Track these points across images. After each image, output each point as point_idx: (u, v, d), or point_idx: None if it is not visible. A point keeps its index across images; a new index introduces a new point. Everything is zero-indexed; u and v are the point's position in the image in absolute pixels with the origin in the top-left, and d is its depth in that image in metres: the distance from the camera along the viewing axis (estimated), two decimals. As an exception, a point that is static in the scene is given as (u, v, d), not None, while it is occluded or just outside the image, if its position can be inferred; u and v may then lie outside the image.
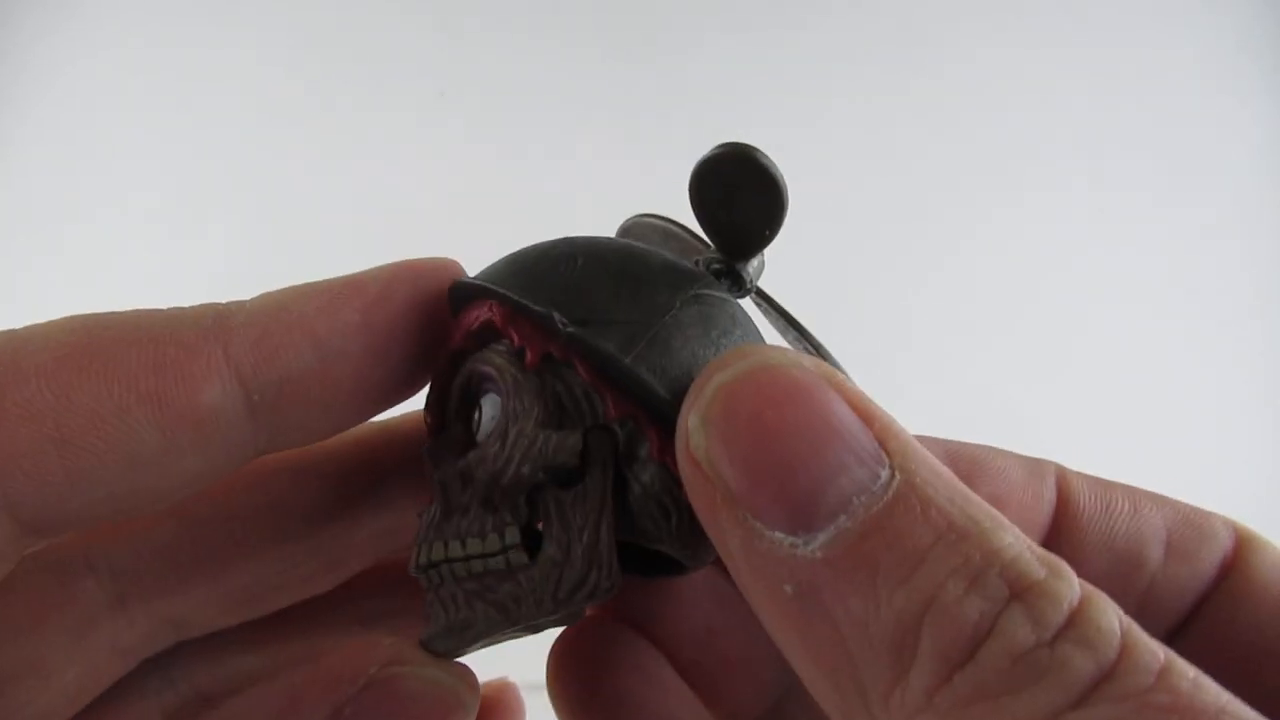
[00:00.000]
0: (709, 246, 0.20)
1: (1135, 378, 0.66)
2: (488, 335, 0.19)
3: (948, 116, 0.67)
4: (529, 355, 0.18)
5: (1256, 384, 0.67)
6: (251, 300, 0.19)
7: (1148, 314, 0.67)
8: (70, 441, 0.17)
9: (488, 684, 0.27)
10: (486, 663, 0.20)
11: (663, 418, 0.17)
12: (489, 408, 0.19)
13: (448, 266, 0.21)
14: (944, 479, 0.14)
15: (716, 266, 0.20)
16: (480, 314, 0.19)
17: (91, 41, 0.64)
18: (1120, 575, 0.19)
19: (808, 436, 0.14)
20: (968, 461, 0.20)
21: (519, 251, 0.20)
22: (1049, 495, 0.20)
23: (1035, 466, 0.21)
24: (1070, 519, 0.20)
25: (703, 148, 0.19)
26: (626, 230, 0.23)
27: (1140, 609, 0.19)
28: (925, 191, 0.67)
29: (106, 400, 0.17)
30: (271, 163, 0.64)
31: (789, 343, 0.21)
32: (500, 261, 0.20)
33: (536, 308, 0.18)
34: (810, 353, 0.22)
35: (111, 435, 0.17)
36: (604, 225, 0.23)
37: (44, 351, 0.17)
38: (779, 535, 0.14)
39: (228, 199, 0.64)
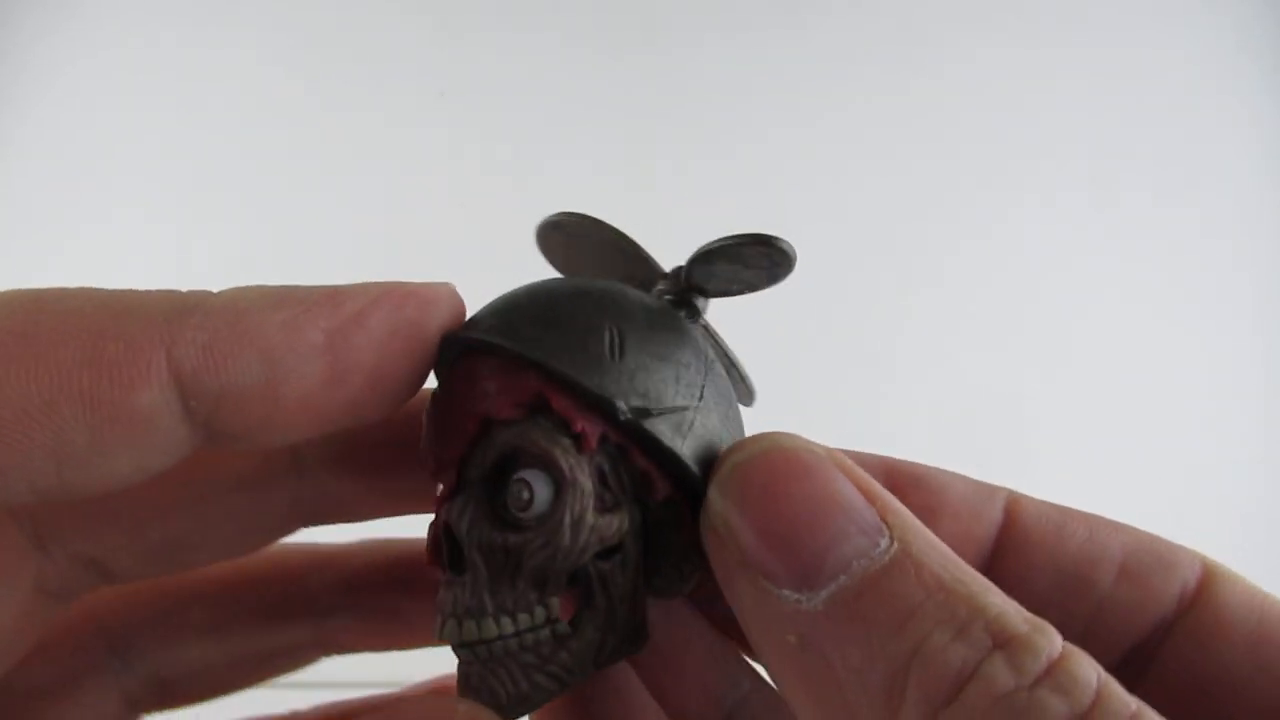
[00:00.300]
0: (646, 256, 0.22)
1: (1134, 378, 0.66)
2: (535, 408, 0.19)
3: (946, 117, 0.67)
4: (588, 441, 0.19)
5: (1257, 383, 0.66)
6: (216, 296, 0.18)
7: (1146, 314, 0.66)
8: None
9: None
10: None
11: (696, 496, 0.19)
12: (541, 488, 0.19)
13: (440, 295, 0.19)
14: (939, 549, 0.16)
15: (670, 298, 0.22)
16: (529, 386, 0.19)
17: (91, 42, 0.64)
18: (1066, 594, 0.20)
19: (814, 507, 0.16)
20: (906, 477, 0.21)
21: (529, 302, 0.20)
22: (994, 515, 0.21)
23: (983, 489, 0.21)
24: (1017, 539, 0.21)
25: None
26: (561, 227, 0.22)
27: (1087, 629, 0.20)
28: (924, 192, 0.67)
29: (34, 394, 0.16)
30: (271, 162, 0.64)
31: (723, 369, 0.22)
32: (511, 311, 0.20)
33: (598, 392, 0.19)
34: (737, 381, 0.23)
35: (36, 430, 0.16)
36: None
37: None
38: (786, 593, 0.16)
39: (227, 199, 0.64)
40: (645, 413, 0.19)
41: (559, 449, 0.19)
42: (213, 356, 0.17)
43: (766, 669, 0.17)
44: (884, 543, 0.16)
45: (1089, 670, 0.14)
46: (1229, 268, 0.67)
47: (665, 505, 0.19)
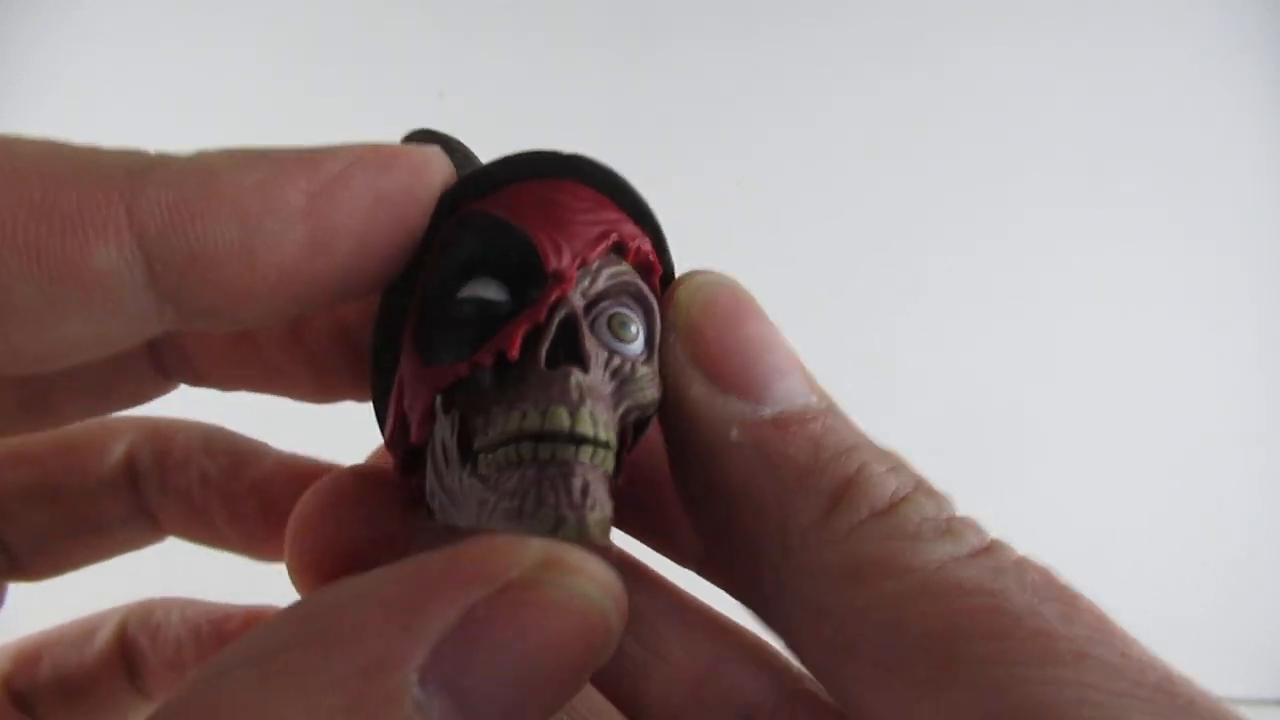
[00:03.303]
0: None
1: (1135, 377, 0.65)
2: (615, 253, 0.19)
3: (943, 116, 0.67)
4: (658, 300, 0.19)
5: (1257, 382, 0.65)
6: (182, 155, 0.16)
7: (1147, 314, 0.66)
8: None
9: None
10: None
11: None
12: (641, 330, 0.19)
13: (430, 160, 0.18)
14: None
15: None
16: (645, 247, 0.19)
17: (88, 42, 0.64)
18: None
19: (765, 334, 0.18)
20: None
21: (579, 158, 0.19)
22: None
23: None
24: None
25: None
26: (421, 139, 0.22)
27: None
28: (923, 191, 0.66)
29: None
30: None
31: None
32: (568, 157, 0.19)
33: (672, 264, 0.20)
34: None
35: None
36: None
37: None
38: (732, 398, 0.18)
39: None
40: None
41: (655, 303, 0.19)
42: (180, 215, 0.16)
43: (690, 464, 0.18)
44: (814, 398, 0.18)
45: (981, 528, 0.17)
46: (1231, 267, 0.66)
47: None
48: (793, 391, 0.18)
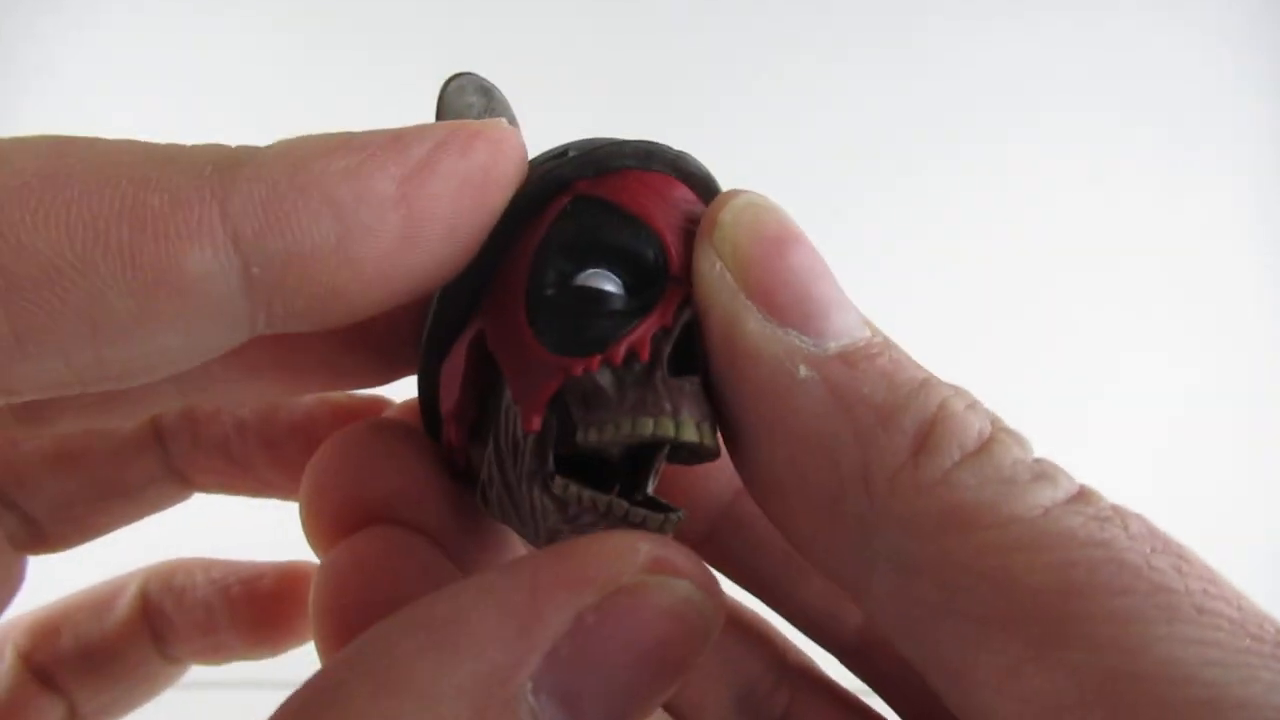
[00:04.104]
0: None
1: (1131, 373, 0.65)
2: None
3: (941, 106, 0.66)
4: None
5: (1258, 383, 0.66)
6: (265, 149, 0.15)
7: (1145, 308, 0.66)
8: (19, 293, 0.14)
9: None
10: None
11: None
12: None
13: (508, 138, 0.17)
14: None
15: None
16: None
17: (86, 40, 0.61)
18: None
19: (817, 266, 0.17)
20: None
21: (647, 144, 0.18)
22: None
23: None
24: None
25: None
26: (452, 89, 0.21)
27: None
28: (919, 183, 0.66)
29: (66, 248, 0.14)
30: None
31: None
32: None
33: None
34: None
35: (70, 292, 0.14)
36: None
37: None
38: (792, 332, 0.16)
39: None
40: None
41: None
42: (274, 212, 0.15)
43: (749, 407, 0.17)
44: (870, 332, 0.17)
45: (1066, 470, 0.16)
46: (1230, 264, 0.67)
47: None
48: (851, 324, 0.16)
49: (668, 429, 0.16)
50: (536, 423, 0.17)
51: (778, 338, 0.16)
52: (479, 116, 0.20)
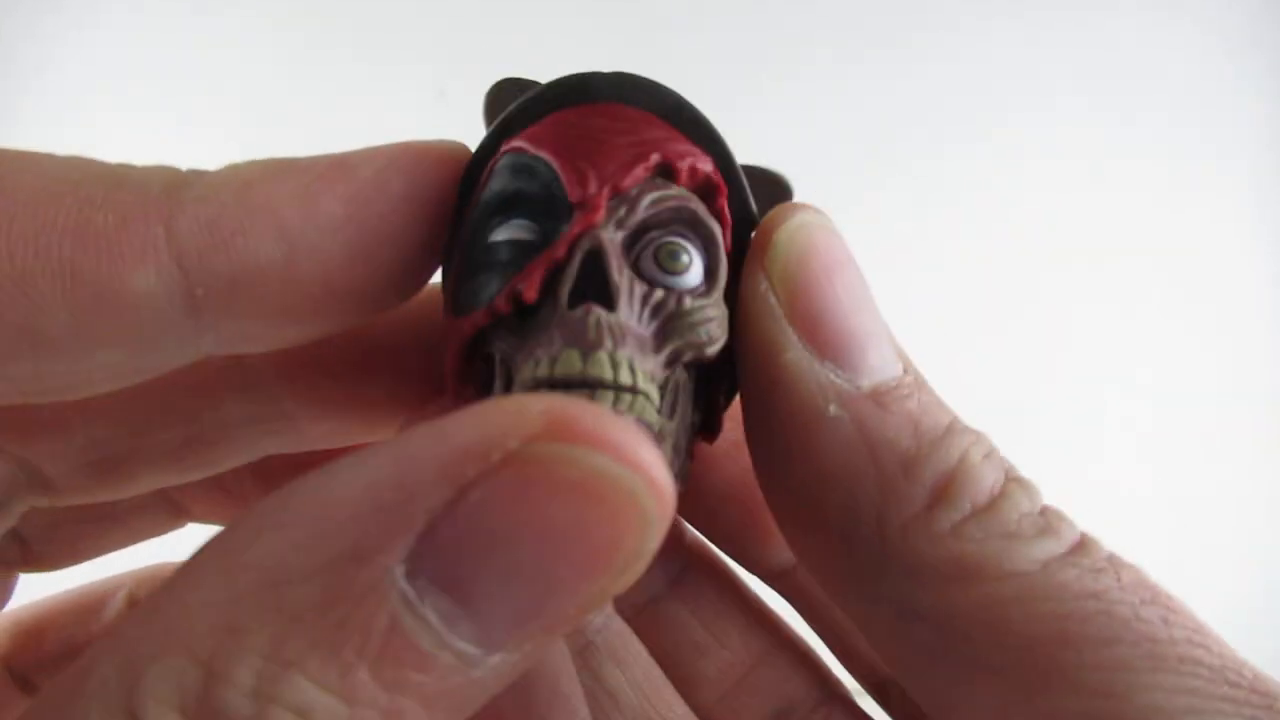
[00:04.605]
0: None
1: (1132, 378, 0.65)
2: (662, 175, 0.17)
3: (940, 110, 0.66)
4: (726, 230, 0.18)
5: (1259, 384, 0.65)
6: (213, 172, 0.16)
7: (1146, 312, 0.65)
8: None
9: None
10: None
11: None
12: (696, 258, 0.17)
13: (454, 152, 0.17)
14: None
15: None
16: (702, 166, 0.17)
17: (86, 40, 0.61)
18: None
19: (856, 296, 0.17)
20: None
21: (628, 76, 0.18)
22: None
23: None
24: None
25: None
26: (499, 94, 0.21)
27: None
28: (921, 186, 0.65)
29: (5, 262, 0.14)
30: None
31: None
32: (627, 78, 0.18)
33: (747, 187, 0.18)
34: None
35: (8, 306, 0.14)
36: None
37: None
38: (828, 366, 0.16)
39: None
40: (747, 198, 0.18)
41: (718, 229, 0.17)
42: (221, 232, 0.15)
43: (779, 439, 0.17)
44: (902, 368, 0.17)
45: (1069, 519, 0.16)
46: (1231, 266, 0.66)
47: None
48: (886, 360, 0.17)
49: (545, 369, 0.15)
50: (456, 389, 0.17)
51: (814, 371, 0.16)
52: None
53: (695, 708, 0.22)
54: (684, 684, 0.22)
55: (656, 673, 0.22)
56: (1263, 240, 0.67)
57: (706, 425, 0.19)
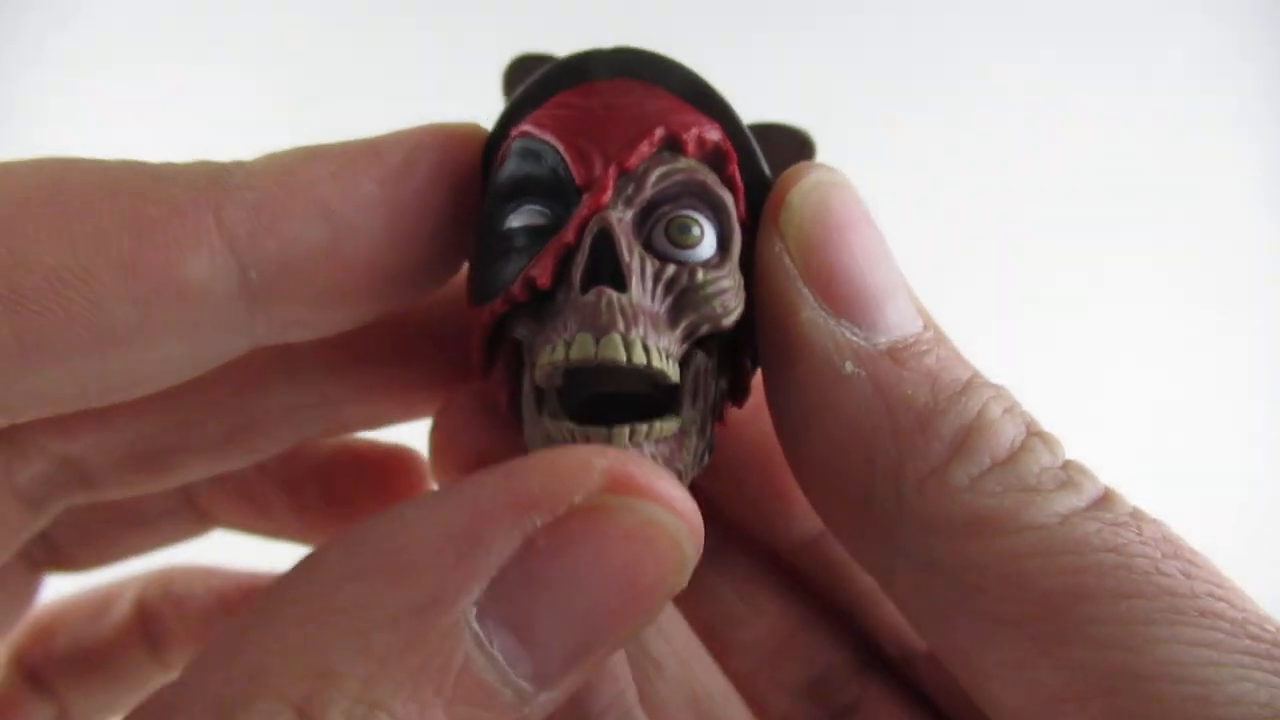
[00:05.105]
0: None
1: (1135, 388, 0.65)
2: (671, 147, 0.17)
3: (944, 121, 0.66)
4: (739, 199, 0.17)
5: (1260, 385, 0.66)
6: (252, 161, 0.16)
7: (1149, 319, 0.65)
8: (23, 302, 0.14)
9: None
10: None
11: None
12: (708, 231, 0.17)
13: (477, 133, 0.18)
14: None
15: None
16: (709, 135, 0.17)
17: (84, 40, 0.61)
18: None
19: (873, 252, 0.17)
20: None
21: (634, 51, 0.18)
22: None
23: None
24: None
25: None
26: (516, 72, 0.21)
27: None
28: (922, 194, 0.65)
29: (70, 259, 0.14)
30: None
31: None
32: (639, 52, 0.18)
33: (759, 157, 0.18)
34: None
35: (74, 302, 0.14)
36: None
37: None
38: (844, 324, 0.16)
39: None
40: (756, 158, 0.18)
41: (729, 197, 0.17)
42: (267, 215, 0.15)
43: (795, 399, 0.17)
44: (922, 324, 0.17)
45: (1094, 474, 0.16)
46: (1232, 271, 0.65)
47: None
48: (904, 316, 0.16)
49: (560, 354, 0.15)
50: (485, 376, 0.17)
51: (829, 329, 0.16)
52: None
53: (731, 677, 0.22)
54: (720, 654, 0.22)
55: (696, 643, 0.22)
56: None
57: (734, 391, 0.19)
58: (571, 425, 0.16)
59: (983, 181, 0.65)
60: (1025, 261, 0.65)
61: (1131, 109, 0.66)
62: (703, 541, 0.14)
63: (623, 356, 0.15)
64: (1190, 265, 0.66)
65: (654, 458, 0.16)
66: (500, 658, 0.13)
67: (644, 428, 0.16)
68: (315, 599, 0.13)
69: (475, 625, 0.13)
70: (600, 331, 0.15)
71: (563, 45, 0.19)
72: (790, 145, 0.20)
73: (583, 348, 0.15)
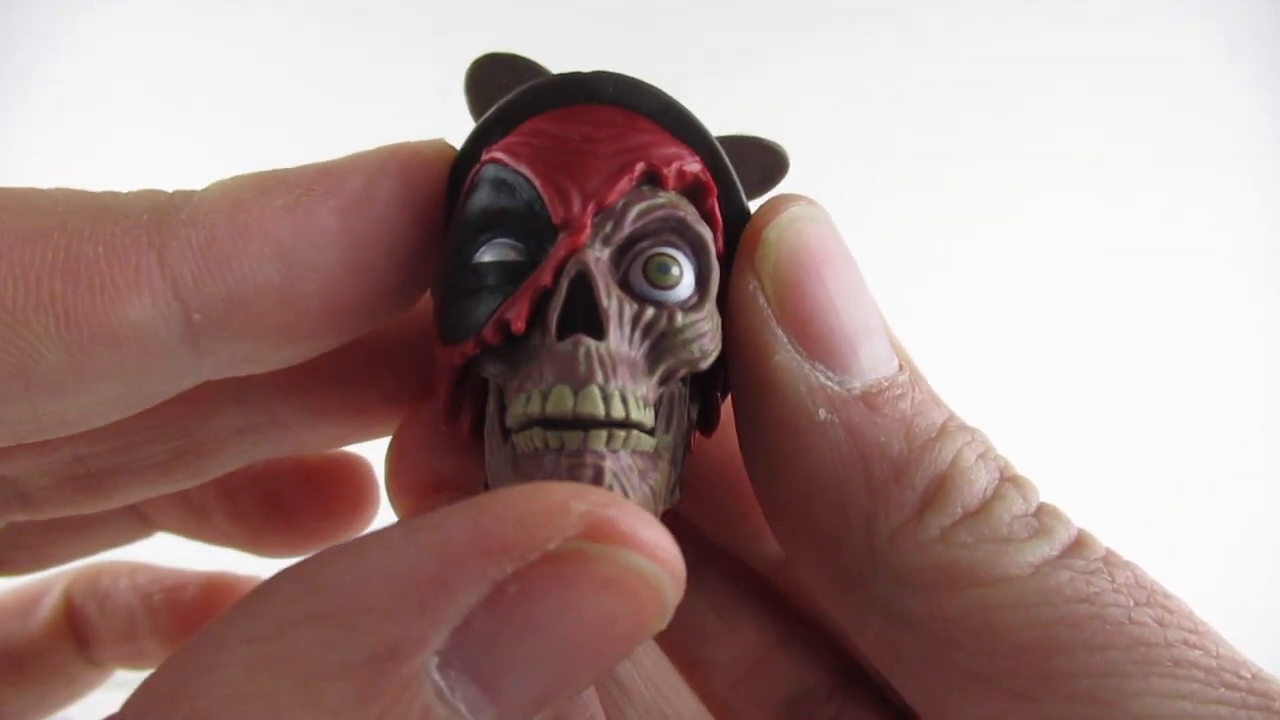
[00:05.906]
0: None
1: (1134, 388, 0.64)
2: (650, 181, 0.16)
3: (939, 111, 0.65)
4: (719, 235, 0.17)
5: (1261, 388, 0.64)
6: (200, 192, 0.15)
7: (1148, 319, 0.64)
8: None
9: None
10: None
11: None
12: (687, 270, 0.16)
13: (443, 152, 0.17)
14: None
15: None
16: (690, 167, 0.17)
17: (83, 41, 0.59)
18: None
19: (848, 292, 0.16)
20: None
21: (625, 79, 0.17)
22: None
23: None
24: None
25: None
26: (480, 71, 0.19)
27: None
28: (918, 192, 0.65)
29: None
30: (270, 161, 0.60)
31: None
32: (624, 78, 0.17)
33: (741, 191, 0.17)
34: None
35: (2, 349, 0.14)
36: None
37: None
38: (818, 368, 0.16)
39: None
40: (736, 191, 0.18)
41: (708, 234, 0.17)
42: (215, 256, 0.15)
43: (770, 447, 0.16)
44: (897, 365, 0.16)
45: (1067, 517, 0.16)
46: (1233, 272, 0.64)
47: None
48: (879, 358, 0.16)
49: (536, 406, 0.15)
50: (450, 417, 0.17)
51: (803, 374, 0.16)
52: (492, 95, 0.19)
53: (708, 696, 0.22)
54: (697, 672, 0.22)
55: (665, 664, 0.21)
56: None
57: (704, 420, 0.18)
58: (542, 431, 0.15)
59: (968, 202, 0.65)
60: (1012, 279, 0.65)
61: (1123, 129, 0.65)
62: (684, 584, 0.13)
63: (601, 411, 0.15)
64: (1185, 281, 0.65)
65: (629, 469, 0.15)
66: (463, 708, 0.12)
67: (621, 434, 0.15)
68: (265, 641, 0.12)
69: (436, 676, 0.12)
70: (578, 385, 0.15)
71: (537, 54, 0.18)
72: (763, 159, 0.19)
73: (559, 401, 0.15)
